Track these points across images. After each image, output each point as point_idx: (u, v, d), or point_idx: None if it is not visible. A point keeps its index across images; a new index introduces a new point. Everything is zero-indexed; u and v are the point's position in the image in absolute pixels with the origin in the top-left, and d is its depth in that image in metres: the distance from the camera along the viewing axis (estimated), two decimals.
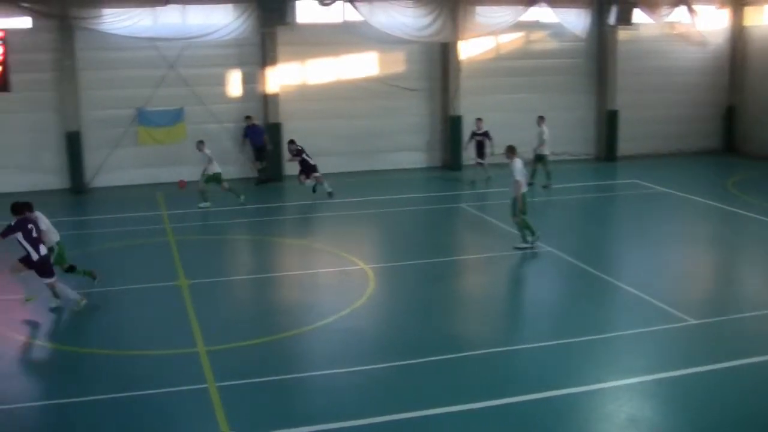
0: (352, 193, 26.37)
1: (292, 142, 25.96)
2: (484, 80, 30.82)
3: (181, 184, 25.27)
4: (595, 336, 13.45)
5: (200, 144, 24.78)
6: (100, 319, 15.14)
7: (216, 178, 24.57)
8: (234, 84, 29.22)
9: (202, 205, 24.55)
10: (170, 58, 27.97)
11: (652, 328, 13.86)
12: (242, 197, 24.79)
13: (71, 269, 16.24)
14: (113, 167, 28.02)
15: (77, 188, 27.39)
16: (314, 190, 25.69)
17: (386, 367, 12.34)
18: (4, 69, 26.52)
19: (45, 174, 27.40)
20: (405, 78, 30.51)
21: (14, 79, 26.58)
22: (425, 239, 21.08)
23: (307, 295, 16.57)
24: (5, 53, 26.47)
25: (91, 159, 27.76)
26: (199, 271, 17.83)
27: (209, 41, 27.64)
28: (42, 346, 13.86)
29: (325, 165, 29.30)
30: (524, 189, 18.68)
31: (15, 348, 13.81)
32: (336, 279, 17.53)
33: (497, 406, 10.92)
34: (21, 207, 15.00)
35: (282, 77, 29.01)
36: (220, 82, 29.08)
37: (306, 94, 29.61)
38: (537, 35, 31.77)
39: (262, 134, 28.24)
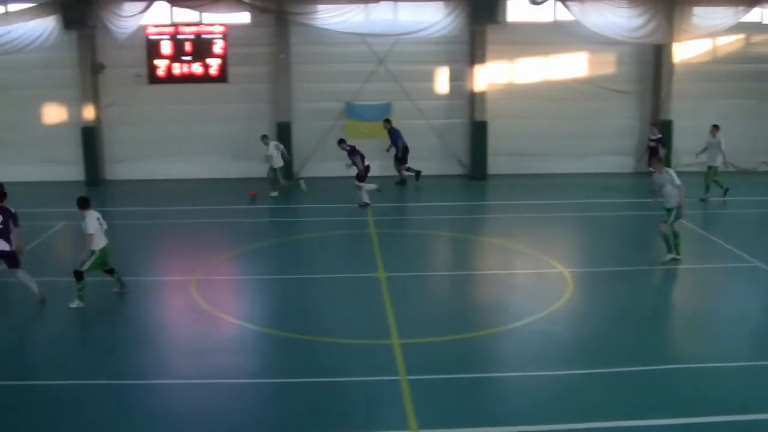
0: (555, 194, 25.95)
1: (342, 141, 25.22)
2: (698, 84, 29.60)
3: (252, 194, 25.92)
4: None
5: (264, 138, 25.98)
6: (300, 304, 15.67)
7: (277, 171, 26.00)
8: (442, 81, 29.46)
9: (272, 194, 25.85)
10: (380, 53, 28.55)
11: None
12: (302, 182, 26.24)
13: (111, 272, 15.71)
14: (319, 159, 28.93)
15: (285, 177, 28.35)
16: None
17: (578, 374, 12.12)
18: (224, 62, 27.96)
19: (255, 162, 28.54)
20: (614, 80, 29.78)
21: (232, 71, 28.08)
22: (627, 246, 20.43)
23: (504, 295, 16.54)
24: (226, 47, 27.90)
25: (299, 149, 28.75)
26: (398, 264, 18.09)
27: (419, 38, 28.00)
28: (245, 326, 14.43)
29: (528, 165, 29.17)
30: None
31: (221, 328, 14.48)
32: (533, 281, 17.35)
33: (691, 425, 10.44)
34: None
35: (490, 76, 28.96)
36: (428, 78, 29.39)
37: (513, 94, 29.46)
38: (759, 37, 30.11)
39: (398, 139, 27.68)
